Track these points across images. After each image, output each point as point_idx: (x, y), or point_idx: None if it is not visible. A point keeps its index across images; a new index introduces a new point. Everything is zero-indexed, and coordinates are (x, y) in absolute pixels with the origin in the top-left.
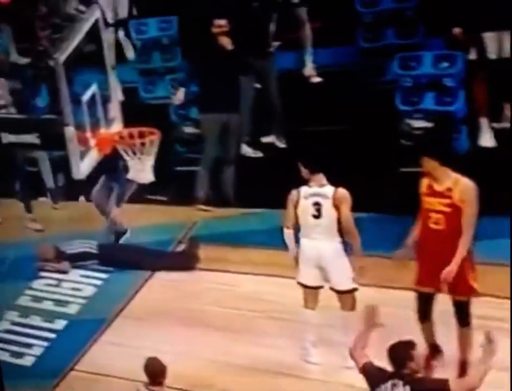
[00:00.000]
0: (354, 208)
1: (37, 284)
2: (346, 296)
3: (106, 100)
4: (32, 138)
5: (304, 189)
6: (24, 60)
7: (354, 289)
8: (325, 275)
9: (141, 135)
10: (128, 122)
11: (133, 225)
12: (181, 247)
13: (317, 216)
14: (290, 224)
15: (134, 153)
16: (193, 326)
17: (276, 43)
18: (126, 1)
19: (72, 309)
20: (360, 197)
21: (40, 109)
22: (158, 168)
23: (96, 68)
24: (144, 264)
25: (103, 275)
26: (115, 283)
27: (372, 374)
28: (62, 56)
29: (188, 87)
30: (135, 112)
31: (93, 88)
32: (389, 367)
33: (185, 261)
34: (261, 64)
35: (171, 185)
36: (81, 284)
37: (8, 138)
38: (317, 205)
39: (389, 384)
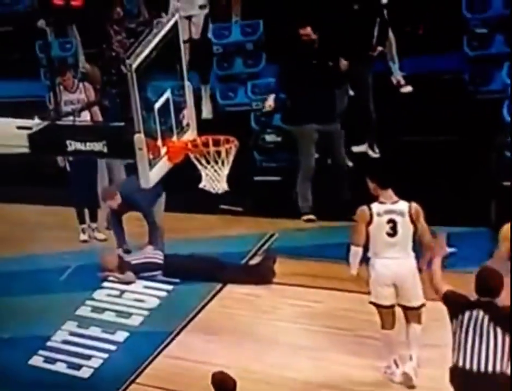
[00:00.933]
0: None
1: (98, 294)
2: (415, 312)
3: (180, 106)
4: (99, 146)
5: (376, 206)
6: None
7: (424, 305)
8: (398, 293)
9: (216, 143)
10: (202, 130)
11: (205, 235)
12: (257, 260)
13: (393, 234)
14: (360, 242)
15: (208, 162)
16: (266, 343)
17: (379, 48)
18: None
19: (134, 321)
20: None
21: (109, 116)
22: (234, 177)
23: (171, 73)
24: (214, 276)
25: (168, 287)
26: (181, 296)
27: (454, 301)
28: (135, 62)
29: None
30: (212, 119)
31: (167, 94)
32: (471, 296)
33: (260, 275)
34: (358, 70)
35: (247, 195)
36: (144, 295)
37: (75, 145)
38: (392, 222)
39: (472, 312)
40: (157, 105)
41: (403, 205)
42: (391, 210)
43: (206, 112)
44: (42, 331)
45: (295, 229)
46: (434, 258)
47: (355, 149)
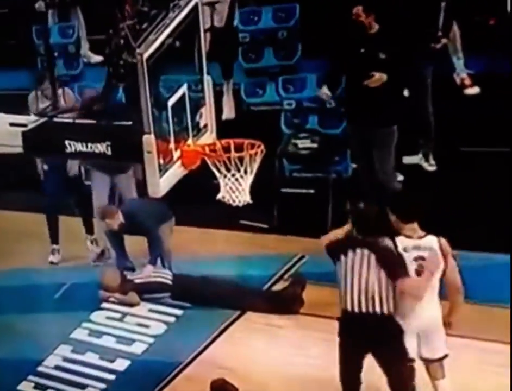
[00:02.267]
0: None
1: (97, 316)
2: (438, 364)
3: (197, 104)
4: (102, 147)
5: (401, 240)
6: (97, 58)
7: (446, 355)
8: (421, 343)
9: (239, 148)
10: (223, 132)
11: (222, 254)
12: (282, 286)
13: (421, 271)
14: None
15: (228, 170)
16: (288, 383)
17: (444, 40)
18: None
19: (137, 349)
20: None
21: (114, 114)
22: (259, 189)
23: (188, 65)
24: (231, 303)
25: (177, 311)
26: (191, 322)
27: (336, 246)
28: (147, 52)
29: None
30: (234, 120)
31: (182, 90)
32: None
33: (285, 303)
34: (417, 65)
35: (273, 210)
36: (149, 320)
37: (75, 146)
38: (420, 260)
39: (356, 251)
40: (170, 102)
41: (432, 239)
42: (418, 246)
43: (228, 112)
44: (32, 354)
45: None
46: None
47: (407, 160)
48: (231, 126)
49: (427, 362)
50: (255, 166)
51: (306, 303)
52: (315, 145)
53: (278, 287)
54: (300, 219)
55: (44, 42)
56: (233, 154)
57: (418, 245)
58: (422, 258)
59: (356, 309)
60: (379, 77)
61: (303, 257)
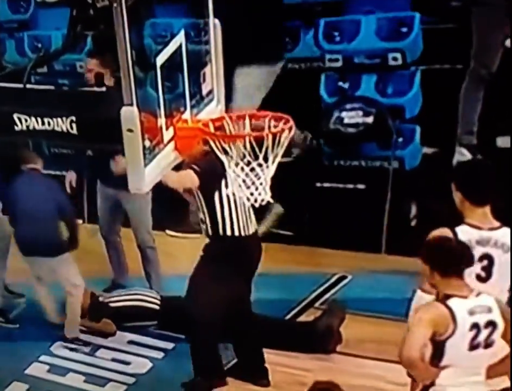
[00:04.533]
0: None
1: (59, 347)
2: None
3: (199, 61)
4: (65, 124)
5: (464, 232)
6: None
7: None
8: None
9: (258, 125)
10: (236, 102)
11: None
12: (312, 316)
13: (485, 277)
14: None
15: (242, 156)
16: None
17: None
18: None
19: None
20: None
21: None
22: (283, 182)
23: (185, 3)
24: (239, 336)
25: (165, 345)
26: (184, 359)
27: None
28: None
29: None
30: None
31: (177, 40)
32: None
33: (314, 338)
34: None
35: (303, 212)
36: (129, 355)
37: (28, 122)
38: (487, 259)
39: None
40: (160, 59)
41: (505, 232)
42: (485, 240)
43: (243, 73)
44: None
45: (382, 270)
46: None
47: (501, 141)
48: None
49: None
50: (280, 151)
51: (344, 339)
52: (369, 120)
53: (306, 317)
54: (342, 226)
55: None
56: (250, 133)
57: (484, 238)
58: (490, 259)
59: (236, 233)
60: None
61: (343, 277)
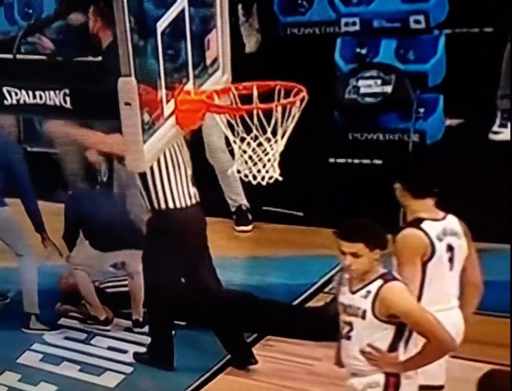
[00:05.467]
0: None
1: (52, 336)
2: None
3: (203, 27)
4: (58, 98)
5: (431, 226)
6: None
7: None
8: None
9: (267, 96)
10: (243, 72)
11: (233, 254)
12: (321, 301)
13: (451, 266)
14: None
15: (249, 130)
16: None
17: None
18: None
19: (108, 381)
20: None
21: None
22: (293, 158)
23: None
24: (244, 322)
25: None
26: (184, 345)
27: None
28: None
29: None
30: (261, 52)
31: (181, 3)
32: None
33: (325, 324)
34: None
35: (315, 190)
36: (126, 343)
37: (18, 96)
38: (451, 250)
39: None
40: (160, 25)
41: (454, 220)
42: (447, 231)
43: (252, 39)
44: None
45: None
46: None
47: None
48: (256, 62)
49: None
50: (291, 125)
51: None
52: (388, 89)
53: (316, 302)
54: (356, 205)
55: None
56: (258, 105)
57: (445, 228)
58: (452, 248)
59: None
60: None
61: None
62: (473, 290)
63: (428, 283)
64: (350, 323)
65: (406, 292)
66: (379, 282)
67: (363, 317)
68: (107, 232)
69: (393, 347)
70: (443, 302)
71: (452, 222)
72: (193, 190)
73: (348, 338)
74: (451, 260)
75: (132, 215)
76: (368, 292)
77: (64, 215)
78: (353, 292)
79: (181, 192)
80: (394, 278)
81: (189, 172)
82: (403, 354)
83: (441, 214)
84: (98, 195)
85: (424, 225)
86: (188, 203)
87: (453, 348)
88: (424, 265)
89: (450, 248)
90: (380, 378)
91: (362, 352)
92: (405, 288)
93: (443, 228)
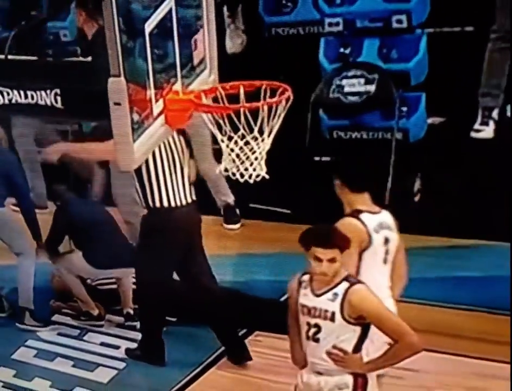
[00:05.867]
0: None
1: (46, 332)
2: None
3: (190, 28)
4: (49, 97)
5: (368, 218)
6: None
7: None
8: None
9: (253, 95)
10: (229, 71)
11: (220, 251)
12: None
13: (386, 259)
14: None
15: (235, 129)
16: None
17: None
18: None
19: (101, 377)
20: None
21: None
22: (279, 157)
23: None
24: (233, 318)
25: None
26: (177, 340)
27: None
28: None
29: None
30: (247, 52)
31: (168, 4)
32: None
33: None
34: None
35: (301, 188)
36: (119, 339)
37: (10, 95)
38: (387, 243)
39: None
40: (149, 25)
41: (388, 216)
42: (383, 224)
43: (237, 40)
44: None
45: None
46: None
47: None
48: (242, 62)
49: None
50: (277, 124)
51: None
52: (372, 88)
53: None
54: (342, 202)
55: None
56: (245, 105)
57: (381, 221)
58: (388, 241)
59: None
60: None
61: None
62: (398, 281)
63: (362, 273)
64: (317, 325)
65: (373, 294)
66: (345, 284)
67: (332, 319)
68: (104, 252)
69: (357, 348)
70: (376, 292)
71: (387, 216)
72: (189, 189)
73: (316, 340)
74: (387, 252)
75: (124, 215)
76: (335, 295)
77: (53, 222)
78: (318, 295)
79: (176, 191)
80: (358, 281)
81: (187, 171)
82: (365, 355)
83: (377, 208)
84: (91, 207)
85: (362, 216)
86: (184, 202)
87: (419, 348)
88: (360, 255)
89: (386, 241)
90: (349, 379)
91: (328, 354)
92: (370, 290)
93: (379, 222)
